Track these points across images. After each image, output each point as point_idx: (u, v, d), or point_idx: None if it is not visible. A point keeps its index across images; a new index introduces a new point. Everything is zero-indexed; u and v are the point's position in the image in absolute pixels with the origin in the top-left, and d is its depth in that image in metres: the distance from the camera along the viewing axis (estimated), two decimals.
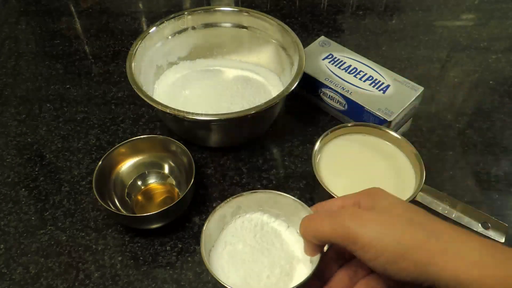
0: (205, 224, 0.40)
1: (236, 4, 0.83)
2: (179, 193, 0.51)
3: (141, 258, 0.47)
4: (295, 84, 0.51)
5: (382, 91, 0.56)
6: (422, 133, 0.59)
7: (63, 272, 0.47)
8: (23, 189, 0.54)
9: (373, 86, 0.57)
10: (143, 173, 0.53)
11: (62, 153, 0.58)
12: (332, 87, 0.57)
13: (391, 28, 0.76)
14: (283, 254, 0.40)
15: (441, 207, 0.44)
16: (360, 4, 0.82)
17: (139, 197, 0.52)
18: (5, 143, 0.60)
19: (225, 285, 0.36)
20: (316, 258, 0.36)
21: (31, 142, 0.60)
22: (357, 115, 0.56)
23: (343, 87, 0.57)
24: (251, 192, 0.42)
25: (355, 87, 0.57)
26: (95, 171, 0.48)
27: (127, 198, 0.51)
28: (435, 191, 0.45)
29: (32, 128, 0.61)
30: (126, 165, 0.53)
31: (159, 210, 0.45)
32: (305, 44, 0.61)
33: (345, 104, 0.57)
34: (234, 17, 0.62)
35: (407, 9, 0.81)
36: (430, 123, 0.60)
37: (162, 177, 0.54)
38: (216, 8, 0.62)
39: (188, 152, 0.50)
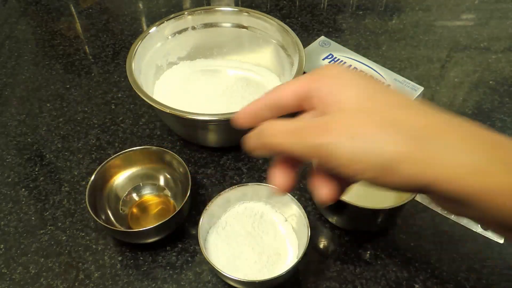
0: (208, 205, 0.44)
1: (236, 4, 0.83)
2: (175, 205, 0.50)
3: (141, 258, 0.47)
4: None
5: None
6: None
7: (63, 272, 0.47)
8: (23, 189, 0.54)
9: None
10: (138, 185, 0.52)
11: (62, 153, 0.58)
12: None
13: (391, 28, 0.76)
14: (274, 245, 0.45)
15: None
16: (360, 4, 0.82)
17: (134, 210, 0.51)
18: (5, 143, 0.60)
19: (214, 265, 0.40)
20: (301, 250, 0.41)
21: (31, 142, 0.60)
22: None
23: None
24: (256, 184, 0.46)
25: None
26: (88, 186, 0.47)
27: (121, 211, 0.50)
28: None
29: (32, 128, 0.61)
30: (120, 177, 0.51)
31: (154, 225, 0.44)
32: (305, 44, 0.61)
33: None
34: (234, 17, 0.62)
35: (407, 9, 0.81)
36: None
37: (158, 189, 0.52)
38: (216, 8, 0.62)
39: (184, 163, 0.48)
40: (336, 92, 0.27)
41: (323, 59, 0.61)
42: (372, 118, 0.24)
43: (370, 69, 0.59)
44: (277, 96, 0.30)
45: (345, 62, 0.60)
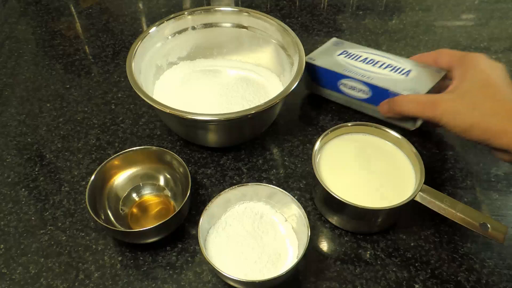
0: (208, 205, 0.44)
1: (236, 4, 0.83)
2: (175, 206, 0.50)
3: (141, 258, 0.47)
4: (295, 84, 0.51)
5: (405, 75, 0.55)
6: (422, 133, 0.59)
7: (63, 272, 0.47)
8: (23, 189, 0.54)
9: (394, 72, 0.55)
10: (138, 185, 0.52)
11: (62, 153, 0.58)
12: (353, 77, 0.56)
13: (391, 28, 0.76)
14: (275, 245, 0.45)
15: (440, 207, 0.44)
16: (360, 4, 0.82)
17: (134, 210, 0.51)
18: (5, 143, 0.60)
19: (214, 265, 0.40)
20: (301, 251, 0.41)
21: (31, 142, 0.60)
22: (383, 101, 0.54)
23: (363, 75, 0.56)
24: (256, 184, 0.47)
25: (376, 74, 0.55)
26: (88, 186, 0.47)
27: (121, 211, 0.50)
28: (435, 191, 0.45)
29: (32, 128, 0.61)
30: (120, 177, 0.51)
31: (154, 225, 0.44)
32: (305, 44, 0.61)
33: (368, 91, 0.56)
34: (234, 17, 0.63)
35: (407, 9, 0.81)
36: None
37: (157, 189, 0.52)
38: (216, 8, 0.62)
39: (184, 163, 0.48)
40: (459, 79, 0.48)
41: (338, 55, 0.59)
42: (464, 102, 0.45)
43: (388, 59, 0.57)
44: (438, 58, 0.54)
45: (360, 56, 0.58)
